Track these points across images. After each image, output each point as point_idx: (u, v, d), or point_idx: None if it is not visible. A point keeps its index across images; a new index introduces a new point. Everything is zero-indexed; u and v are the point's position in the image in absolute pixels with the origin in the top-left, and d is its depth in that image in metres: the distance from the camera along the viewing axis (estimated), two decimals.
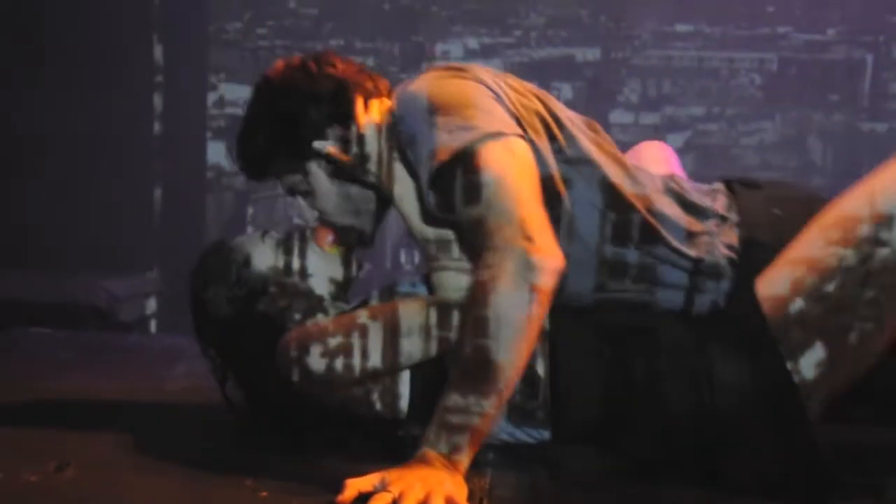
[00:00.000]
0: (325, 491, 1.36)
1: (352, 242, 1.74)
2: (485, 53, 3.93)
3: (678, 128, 3.85)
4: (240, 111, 4.01)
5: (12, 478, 1.41)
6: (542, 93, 1.67)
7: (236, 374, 1.71)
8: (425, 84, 1.57)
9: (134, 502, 1.36)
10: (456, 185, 1.47)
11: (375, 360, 1.60)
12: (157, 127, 3.96)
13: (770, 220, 1.60)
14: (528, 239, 1.40)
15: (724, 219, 1.62)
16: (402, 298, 1.66)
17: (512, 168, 1.46)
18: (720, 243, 1.58)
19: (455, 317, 1.58)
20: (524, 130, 1.55)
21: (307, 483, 1.42)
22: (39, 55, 3.73)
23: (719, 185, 1.72)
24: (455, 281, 1.61)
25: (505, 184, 1.44)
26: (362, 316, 1.62)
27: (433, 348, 1.61)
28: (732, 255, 1.58)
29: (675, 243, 1.58)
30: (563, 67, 3.92)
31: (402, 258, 3.85)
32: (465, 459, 1.37)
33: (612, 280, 1.59)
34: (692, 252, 1.57)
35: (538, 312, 1.39)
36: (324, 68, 1.67)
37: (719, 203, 1.65)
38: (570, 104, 3.90)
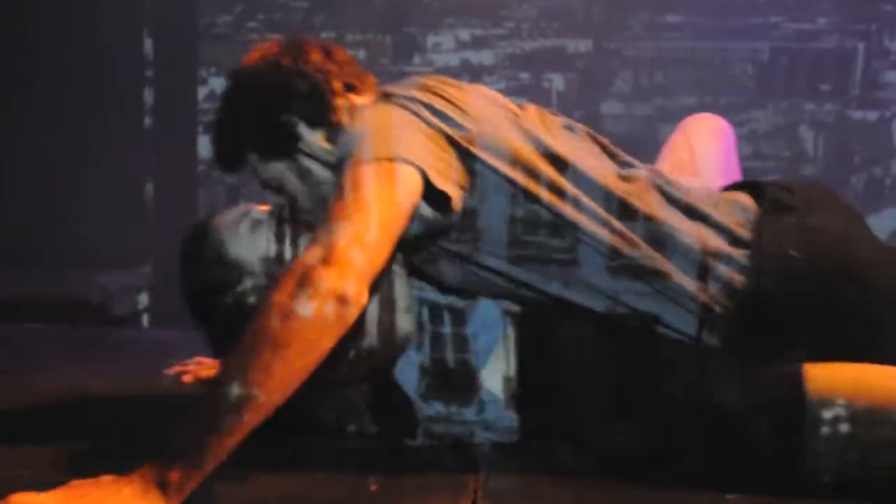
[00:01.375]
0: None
1: None
2: (476, 45, 3.92)
3: (670, 118, 3.84)
4: None
5: (8, 474, 1.41)
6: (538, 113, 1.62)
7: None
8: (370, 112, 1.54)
9: None
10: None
11: (372, 339, 1.56)
12: (147, 121, 3.94)
13: (783, 266, 1.47)
14: (327, 259, 1.32)
15: (735, 241, 1.52)
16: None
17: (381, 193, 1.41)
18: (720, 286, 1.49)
19: None
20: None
21: (287, 483, 1.42)
22: (28, 51, 3.72)
23: (742, 198, 1.59)
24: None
25: (362, 203, 1.38)
26: None
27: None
28: (729, 304, 1.49)
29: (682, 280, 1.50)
30: (554, 59, 3.91)
31: None
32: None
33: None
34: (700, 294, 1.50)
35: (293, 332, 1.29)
36: (299, 64, 1.62)
37: (732, 222, 1.54)
38: (563, 95, 3.92)
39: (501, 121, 1.57)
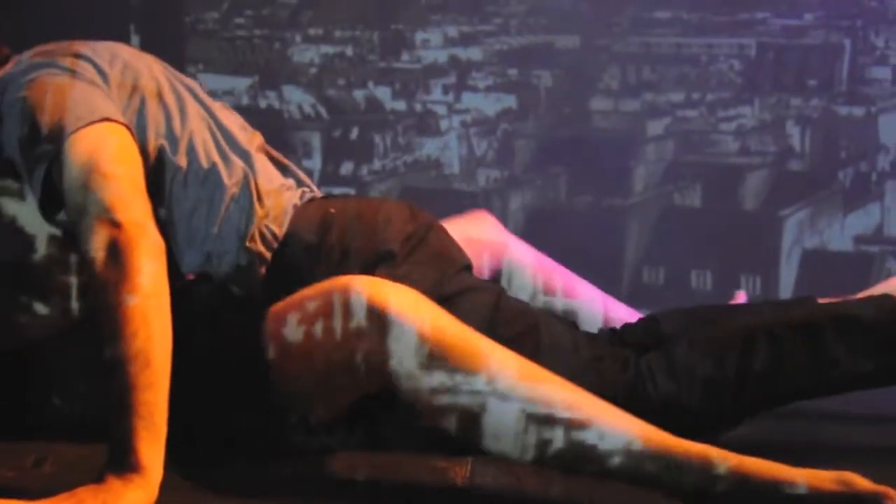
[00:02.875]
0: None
1: None
2: (464, 41, 3.93)
3: (658, 114, 3.86)
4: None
5: None
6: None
7: None
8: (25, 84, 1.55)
9: None
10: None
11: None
12: None
13: (317, 222, 1.59)
14: (115, 223, 1.39)
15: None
16: None
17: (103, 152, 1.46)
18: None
19: None
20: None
21: (273, 478, 1.42)
22: (15, 47, 3.70)
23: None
24: None
25: (96, 169, 1.44)
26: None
27: None
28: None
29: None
30: (543, 55, 3.92)
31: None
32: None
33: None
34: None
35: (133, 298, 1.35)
36: None
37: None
38: (551, 91, 3.92)
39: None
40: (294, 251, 1.56)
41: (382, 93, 3.96)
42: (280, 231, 1.57)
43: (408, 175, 3.92)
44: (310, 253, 1.55)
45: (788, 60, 3.82)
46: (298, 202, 1.62)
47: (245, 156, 1.62)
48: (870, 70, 3.81)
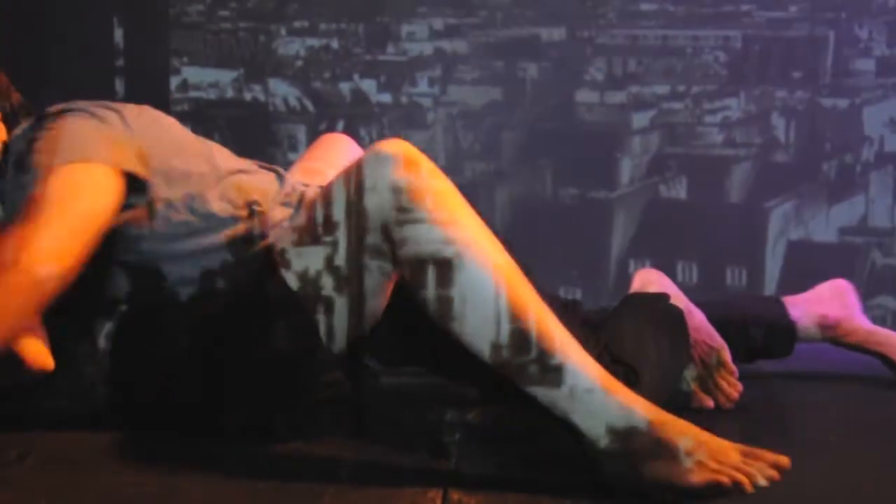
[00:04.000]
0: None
1: None
2: (450, 34, 3.92)
3: (644, 106, 3.86)
4: (203, 94, 4.00)
5: None
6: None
7: None
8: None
9: (97, 492, 1.35)
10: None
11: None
12: None
13: None
14: (24, 252, 1.46)
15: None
16: None
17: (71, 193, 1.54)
18: None
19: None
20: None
21: (257, 471, 1.42)
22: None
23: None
24: None
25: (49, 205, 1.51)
26: None
27: None
28: None
29: None
30: (528, 47, 3.91)
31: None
32: None
33: None
34: None
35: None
36: None
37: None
38: (536, 84, 3.92)
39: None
40: None
41: (368, 85, 3.95)
42: None
43: None
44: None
45: (773, 52, 3.83)
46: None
47: (274, 172, 1.78)
48: (854, 62, 3.81)
